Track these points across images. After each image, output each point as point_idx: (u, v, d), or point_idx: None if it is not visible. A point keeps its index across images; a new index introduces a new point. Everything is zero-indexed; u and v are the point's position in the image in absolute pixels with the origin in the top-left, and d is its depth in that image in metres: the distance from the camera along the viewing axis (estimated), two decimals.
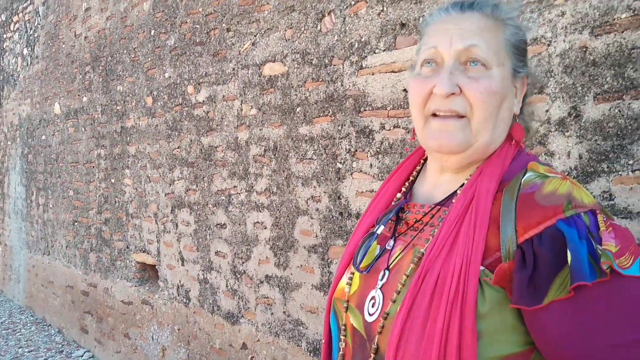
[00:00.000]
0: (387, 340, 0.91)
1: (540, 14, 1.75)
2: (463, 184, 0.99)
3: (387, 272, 1.00)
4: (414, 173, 1.14)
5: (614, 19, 1.59)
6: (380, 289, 0.99)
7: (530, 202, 0.88)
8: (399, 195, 1.11)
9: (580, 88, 1.66)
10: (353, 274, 1.06)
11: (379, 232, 1.06)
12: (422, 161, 1.15)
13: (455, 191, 1.00)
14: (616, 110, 1.59)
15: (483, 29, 0.97)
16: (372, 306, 0.99)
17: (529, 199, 0.89)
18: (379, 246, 1.05)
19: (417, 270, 0.92)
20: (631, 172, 1.56)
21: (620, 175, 1.58)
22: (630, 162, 1.56)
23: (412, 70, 1.06)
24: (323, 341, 1.14)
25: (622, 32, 1.57)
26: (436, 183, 1.06)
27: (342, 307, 1.05)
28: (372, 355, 0.95)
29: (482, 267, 0.87)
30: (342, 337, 1.04)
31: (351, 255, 1.11)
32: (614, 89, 1.59)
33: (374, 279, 1.02)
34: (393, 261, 1.01)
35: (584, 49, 1.65)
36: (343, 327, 1.04)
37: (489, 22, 0.98)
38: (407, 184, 1.13)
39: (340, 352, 1.04)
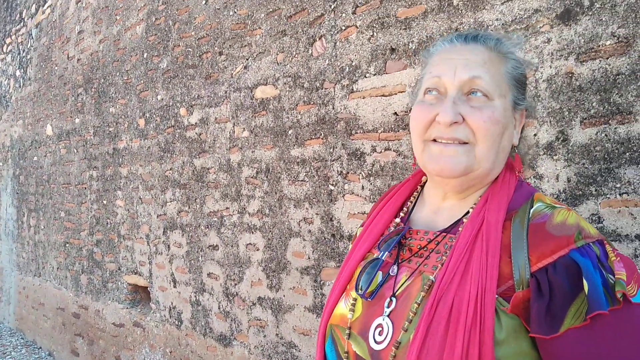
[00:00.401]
0: None
1: (527, 40, 1.79)
2: (468, 211, 1.01)
3: (394, 299, 0.99)
4: (412, 199, 1.14)
5: (599, 46, 1.62)
6: (388, 316, 0.98)
7: (541, 231, 0.90)
8: (397, 220, 1.11)
9: (567, 112, 1.69)
10: (355, 300, 1.05)
11: (383, 258, 1.05)
12: (419, 187, 1.15)
13: (461, 219, 1.01)
14: (603, 135, 1.62)
15: (486, 61, 0.99)
16: (379, 334, 0.97)
17: (540, 228, 0.91)
18: (381, 272, 1.05)
19: (429, 298, 0.92)
20: (619, 195, 1.59)
21: (608, 198, 1.61)
22: (618, 185, 1.59)
23: (414, 96, 1.08)
24: None
25: (607, 58, 1.61)
26: (438, 209, 1.06)
27: (342, 334, 1.04)
28: None
29: (496, 295, 0.89)
30: None
31: (347, 280, 1.09)
32: (600, 114, 1.62)
33: (379, 306, 1.00)
34: (399, 288, 1.00)
35: (570, 75, 1.68)
36: (345, 355, 1.02)
37: (492, 55, 1.01)
38: (405, 209, 1.13)
39: None
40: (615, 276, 0.86)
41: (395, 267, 1.04)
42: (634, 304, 0.85)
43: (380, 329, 0.98)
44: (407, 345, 0.91)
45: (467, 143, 0.97)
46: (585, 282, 0.84)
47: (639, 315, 0.85)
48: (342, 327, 1.04)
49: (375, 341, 0.97)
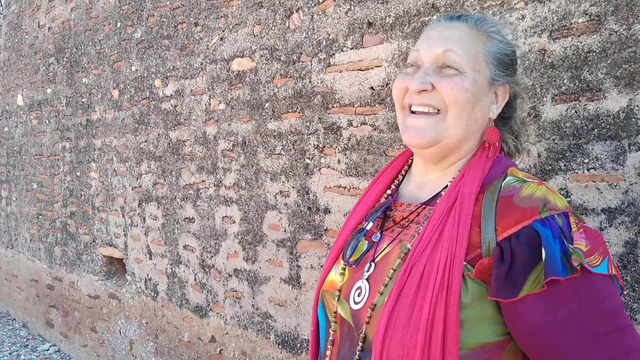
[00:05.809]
0: (374, 329, 0.97)
1: (501, 16, 1.81)
2: (447, 185, 1.06)
3: (372, 264, 1.07)
4: (402, 172, 1.21)
5: (572, 24, 1.65)
6: (367, 279, 1.06)
7: (509, 203, 0.96)
8: (388, 192, 1.18)
9: (539, 89, 1.73)
10: (345, 268, 1.13)
11: (368, 228, 1.13)
12: (410, 160, 1.21)
13: (440, 192, 1.07)
14: (573, 111, 1.66)
15: (463, 37, 1.06)
16: (358, 295, 1.05)
17: (508, 201, 0.96)
18: (366, 242, 1.12)
19: (404, 264, 0.99)
20: (586, 171, 1.63)
21: (577, 173, 1.66)
22: (586, 160, 1.63)
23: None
24: (311, 328, 1.21)
25: (579, 36, 1.64)
26: (421, 183, 1.13)
27: (332, 299, 1.12)
28: (360, 343, 1.01)
29: (464, 262, 0.94)
30: (332, 324, 1.11)
31: (339, 250, 1.18)
32: (570, 91, 1.66)
33: (361, 271, 1.08)
34: (379, 254, 1.08)
35: (543, 52, 1.71)
36: (333, 317, 1.11)
37: (471, 33, 1.07)
38: (394, 183, 1.20)
39: (330, 338, 1.11)
40: (574, 246, 0.90)
41: (378, 234, 1.11)
42: (594, 273, 0.90)
43: (359, 290, 1.06)
44: (381, 307, 0.98)
45: (439, 111, 1.03)
46: (543, 251, 0.89)
47: (597, 285, 0.90)
48: (332, 292, 1.13)
49: (355, 302, 1.06)
